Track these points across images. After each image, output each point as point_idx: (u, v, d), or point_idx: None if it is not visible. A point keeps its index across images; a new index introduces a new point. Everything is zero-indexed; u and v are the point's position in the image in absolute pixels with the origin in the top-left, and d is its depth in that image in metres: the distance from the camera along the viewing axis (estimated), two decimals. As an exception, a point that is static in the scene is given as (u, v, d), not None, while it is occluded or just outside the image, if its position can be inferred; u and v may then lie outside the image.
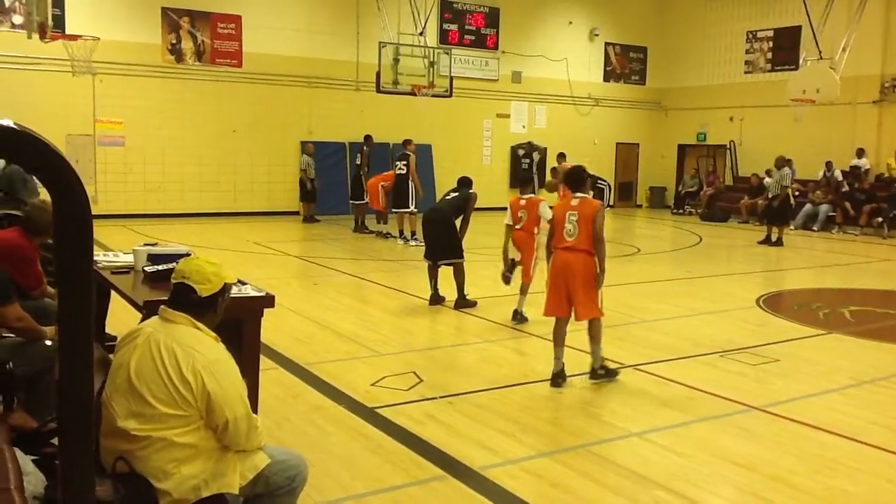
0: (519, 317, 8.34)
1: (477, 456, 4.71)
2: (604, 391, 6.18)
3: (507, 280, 8.55)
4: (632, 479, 4.47)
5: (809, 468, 4.74)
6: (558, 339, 6.25)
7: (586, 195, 6.30)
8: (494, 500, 4.13)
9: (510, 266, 8.51)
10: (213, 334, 3.14)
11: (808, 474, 4.65)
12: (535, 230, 8.39)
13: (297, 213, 18.96)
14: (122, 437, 2.97)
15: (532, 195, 8.68)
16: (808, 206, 19.45)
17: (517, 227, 8.42)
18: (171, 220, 17.19)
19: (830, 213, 19.24)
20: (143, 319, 3.68)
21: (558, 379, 6.19)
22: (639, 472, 4.56)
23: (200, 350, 3.02)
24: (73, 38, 13.58)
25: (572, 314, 6.23)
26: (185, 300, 3.12)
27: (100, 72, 16.00)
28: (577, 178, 6.40)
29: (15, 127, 0.96)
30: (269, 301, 4.53)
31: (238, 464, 3.09)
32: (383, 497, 4.15)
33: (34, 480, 3.23)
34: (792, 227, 18.33)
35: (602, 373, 6.32)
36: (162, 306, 3.18)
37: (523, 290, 8.37)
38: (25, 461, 3.40)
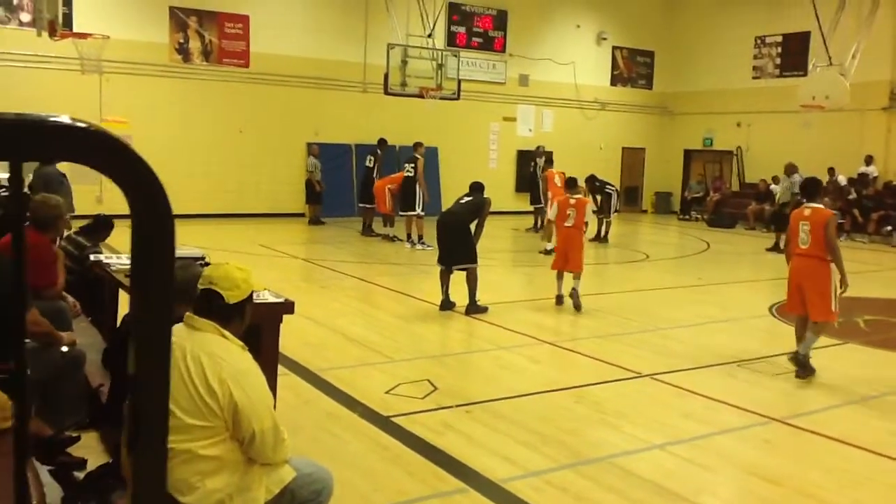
0: (576, 298, 9.08)
1: (498, 468, 4.61)
2: (623, 401, 6.08)
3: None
4: (658, 493, 4.37)
5: (836, 482, 4.65)
6: (797, 334, 6.96)
7: (819, 204, 6.82)
8: (520, 514, 4.04)
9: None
10: (240, 343, 3.04)
11: (834, 489, 4.56)
12: (584, 227, 9.30)
13: (301, 214, 18.85)
14: (146, 449, 2.88)
15: (580, 196, 9.38)
16: (815, 213, 19.29)
17: (566, 224, 9.17)
18: (177, 220, 17.01)
19: (839, 221, 19.08)
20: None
21: (796, 358, 6.81)
22: (664, 485, 4.46)
23: (227, 359, 2.92)
24: (84, 36, 13.49)
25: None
26: (212, 307, 3.02)
27: (107, 71, 15.91)
28: (811, 188, 7.11)
29: (84, 125, 0.88)
30: (288, 307, 4.44)
31: (264, 477, 2.99)
32: (405, 510, 4.05)
33: (50, 492, 3.13)
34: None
35: (802, 360, 6.72)
36: (187, 313, 3.08)
37: (577, 277, 9.14)
38: (42, 472, 3.30)
